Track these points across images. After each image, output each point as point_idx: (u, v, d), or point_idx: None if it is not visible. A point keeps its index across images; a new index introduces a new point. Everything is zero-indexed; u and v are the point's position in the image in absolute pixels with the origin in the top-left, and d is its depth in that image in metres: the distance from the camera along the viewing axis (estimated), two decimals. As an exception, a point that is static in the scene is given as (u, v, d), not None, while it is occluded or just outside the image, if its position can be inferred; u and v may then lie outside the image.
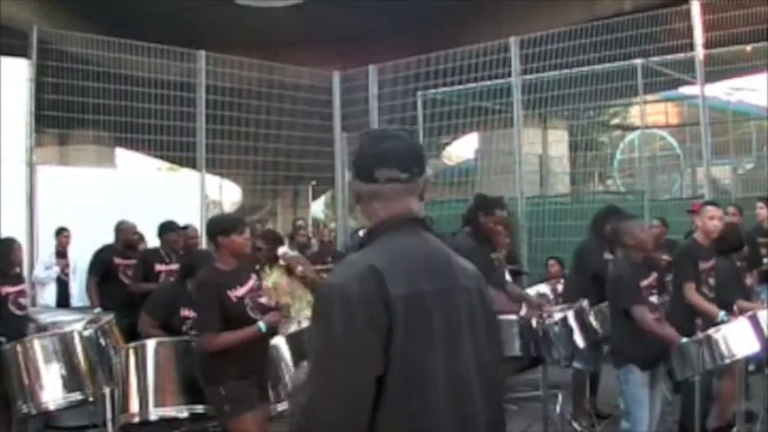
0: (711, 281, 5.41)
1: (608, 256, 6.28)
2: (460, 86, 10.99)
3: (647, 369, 4.80)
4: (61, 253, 9.36)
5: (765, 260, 7.11)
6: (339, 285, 1.91)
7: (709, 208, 5.53)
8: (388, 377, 1.87)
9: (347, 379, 1.85)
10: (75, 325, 5.31)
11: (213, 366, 4.18)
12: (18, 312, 5.66)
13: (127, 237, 7.52)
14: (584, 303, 5.52)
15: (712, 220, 5.43)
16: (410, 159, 2.05)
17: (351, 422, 1.86)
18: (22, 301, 5.73)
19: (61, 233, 9.20)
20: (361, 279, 1.89)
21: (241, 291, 4.29)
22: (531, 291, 7.56)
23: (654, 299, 4.84)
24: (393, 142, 2.06)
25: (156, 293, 5.57)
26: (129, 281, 7.28)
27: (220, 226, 4.48)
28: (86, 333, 4.93)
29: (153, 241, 7.54)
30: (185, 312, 5.06)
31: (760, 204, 7.62)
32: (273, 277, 5.83)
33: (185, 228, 7.73)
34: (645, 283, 4.82)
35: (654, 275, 4.90)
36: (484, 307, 2.11)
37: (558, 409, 6.01)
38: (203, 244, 7.74)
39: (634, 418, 4.75)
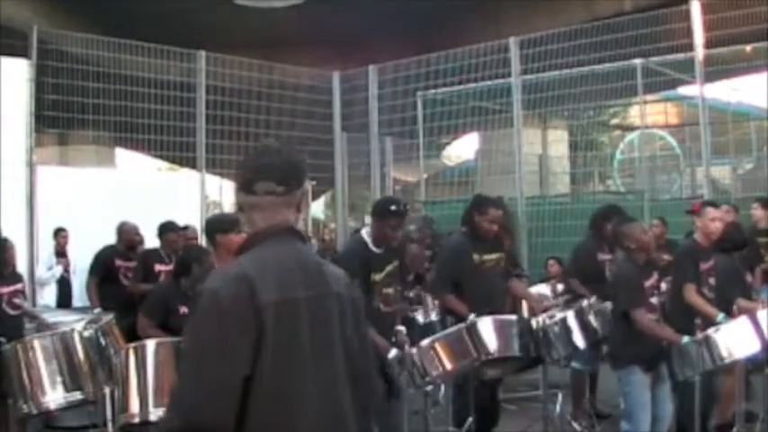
0: (712, 281, 5.41)
1: (604, 256, 6.30)
2: (460, 87, 10.99)
3: (650, 371, 4.80)
4: (60, 253, 9.39)
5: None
6: (213, 290, 2.03)
7: (710, 210, 5.51)
8: (256, 379, 1.99)
9: (217, 378, 1.96)
10: (76, 325, 5.31)
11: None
12: (12, 312, 5.64)
13: (129, 237, 7.51)
14: (584, 304, 5.53)
15: (713, 222, 5.41)
16: (287, 174, 2.19)
17: (219, 418, 1.95)
18: (16, 300, 5.71)
19: (59, 233, 9.22)
20: (235, 285, 2.02)
21: None
22: (532, 290, 7.58)
23: (654, 300, 4.85)
24: (273, 157, 2.21)
25: (150, 295, 5.57)
26: (129, 282, 7.29)
27: (219, 225, 4.47)
28: (86, 333, 4.93)
29: (152, 241, 7.53)
30: (184, 309, 5.05)
31: (755, 205, 7.62)
32: None
33: (185, 228, 7.73)
34: (647, 284, 4.83)
35: (655, 277, 4.92)
36: (355, 312, 2.25)
37: (557, 409, 6.01)
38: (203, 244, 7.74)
39: (636, 419, 4.74)
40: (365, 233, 4.58)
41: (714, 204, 5.72)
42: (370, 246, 4.49)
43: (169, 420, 2.03)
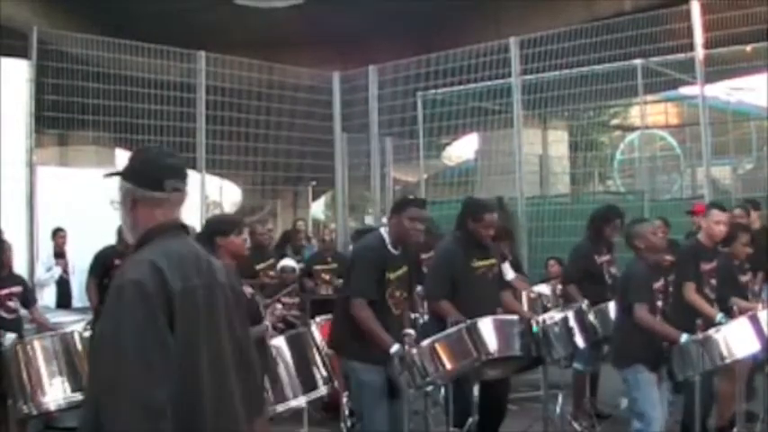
0: (713, 282, 5.40)
1: (602, 257, 6.28)
2: (460, 87, 10.98)
3: (654, 370, 4.79)
4: (59, 254, 9.37)
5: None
6: (137, 281, 2.17)
7: (715, 212, 5.46)
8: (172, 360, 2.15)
9: (158, 361, 2.10)
10: (76, 325, 5.30)
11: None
12: (6, 315, 5.62)
13: (130, 238, 7.50)
14: (584, 304, 5.52)
15: (718, 225, 5.39)
16: (186, 174, 2.43)
17: (165, 401, 2.09)
18: (10, 304, 5.68)
19: (57, 234, 9.21)
20: (151, 274, 2.19)
21: None
22: (534, 289, 7.58)
23: (659, 303, 4.85)
24: (175, 159, 2.45)
25: None
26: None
27: (219, 226, 4.46)
28: (86, 333, 4.93)
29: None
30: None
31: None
32: None
33: (185, 228, 7.71)
34: (655, 286, 4.83)
35: (662, 281, 4.92)
36: (237, 299, 2.48)
37: (558, 409, 6.00)
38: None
39: (648, 417, 4.72)
40: (384, 231, 4.59)
41: (721, 207, 5.65)
42: (389, 245, 4.52)
43: (116, 412, 2.08)
